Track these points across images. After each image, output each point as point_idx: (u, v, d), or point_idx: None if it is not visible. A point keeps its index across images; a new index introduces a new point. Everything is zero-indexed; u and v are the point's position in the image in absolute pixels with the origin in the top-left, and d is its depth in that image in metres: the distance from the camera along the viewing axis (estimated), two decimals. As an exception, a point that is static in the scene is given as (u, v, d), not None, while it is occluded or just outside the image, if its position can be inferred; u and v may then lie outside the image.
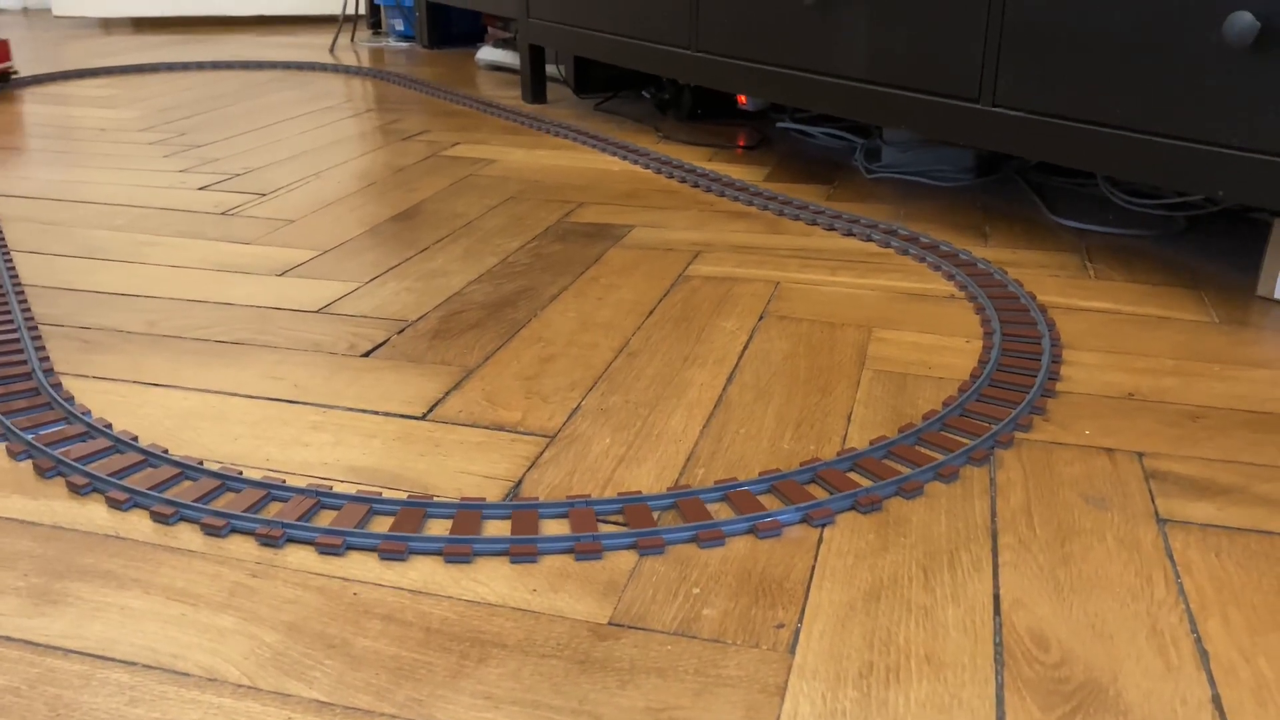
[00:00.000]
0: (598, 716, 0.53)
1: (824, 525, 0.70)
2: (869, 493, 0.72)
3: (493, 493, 0.74)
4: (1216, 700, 0.54)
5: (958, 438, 0.79)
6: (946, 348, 0.97)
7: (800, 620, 0.61)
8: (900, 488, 0.73)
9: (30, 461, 0.76)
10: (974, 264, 1.16)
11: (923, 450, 0.78)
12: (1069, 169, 1.53)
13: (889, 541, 0.68)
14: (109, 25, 3.53)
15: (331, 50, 2.92)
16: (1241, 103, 0.96)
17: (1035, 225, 1.33)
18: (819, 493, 0.73)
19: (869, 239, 1.27)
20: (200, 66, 2.62)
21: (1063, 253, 1.23)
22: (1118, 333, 1.00)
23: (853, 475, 0.75)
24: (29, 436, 0.78)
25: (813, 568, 0.65)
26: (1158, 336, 1.00)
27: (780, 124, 1.89)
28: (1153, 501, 0.72)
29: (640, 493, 0.73)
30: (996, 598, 0.63)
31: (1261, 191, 0.96)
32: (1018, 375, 0.89)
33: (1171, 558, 0.66)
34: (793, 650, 0.58)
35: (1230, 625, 0.60)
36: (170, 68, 2.60)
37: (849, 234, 1.29)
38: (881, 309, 1.06)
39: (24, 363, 0.91)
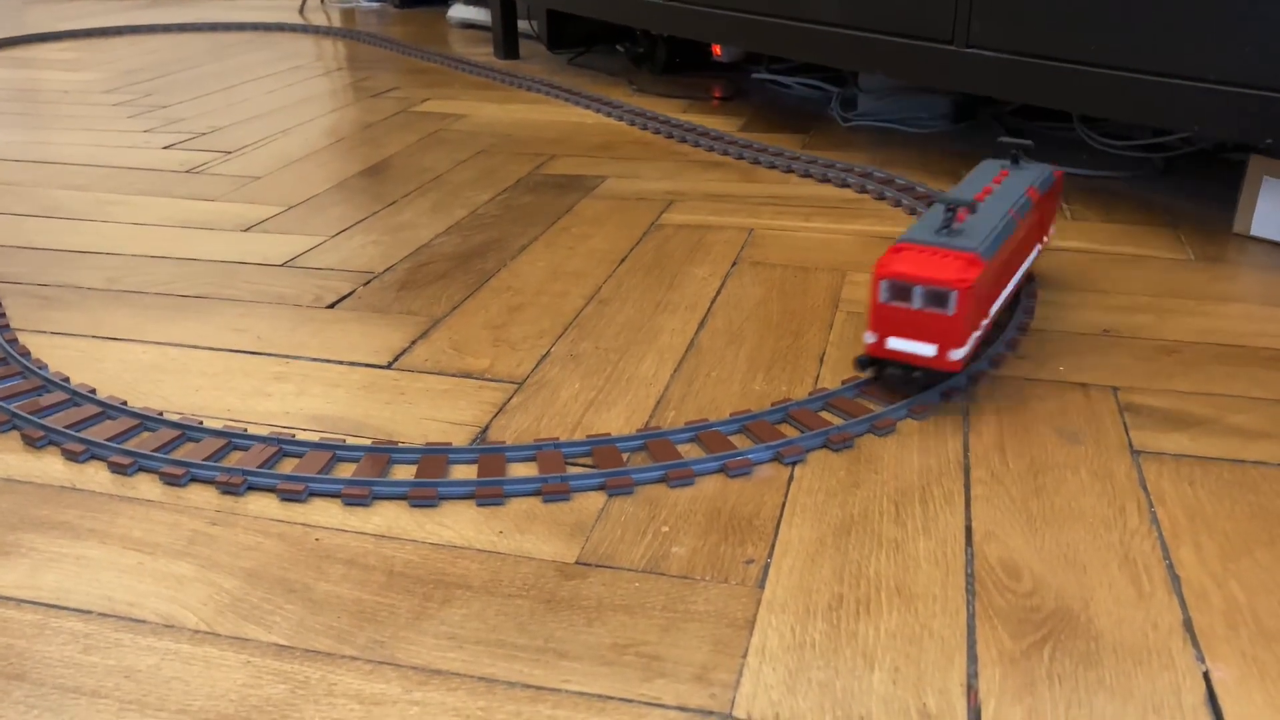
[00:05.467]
0: (563, 654, 0.53)
1: (795, 463, 0.69)
2: (840, 430, 0.71)
3: (459, 439, 0.72)
4: (1188, 624, 0.54)
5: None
6: (921, 289, 0.95)
7: (770, 556, 0.60)
8: (872, 425, 0.72)
9: (-15, 417, 0.75)
10: (949, 207, 1.15)
11: (895, 389, 0.77)
12: (1045, 113, 1.51)
13: (860, 478, 0.67)
14: (74, -10, 3.45)
15: (301, 11, 2.87)
16: (1215, 36, 0.95)
17: (1012, 169, 1.32)
18: (790, 432, 0.72)
19: (844, 185, 1.25)
20: (167, 29, 2.57)
21: (1039, 195, 1.21)
22: (1093, 271, 0.99)
23: (824, 414, 0.74)
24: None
25: (783, 505, 0.64)
26: (1133, 274, 0.99)
27: (756, 75, 1.87)
28: (1127, 434, 0.72)
29: (609, 435, 0.72)
30: (968, 530, 0.62)
31: (1236, 125, 0.95)
32: (992, 314, 0.88)
33: (1145, 488, 0.66)
34: (762, 585, 0.57)
35: (1202, 552, 0.60)
36: (136, 30, 2.55)
37: (824, 180, 1.28)
38: (856, 253, 1.04)
39: (-20, 320, 0.89)
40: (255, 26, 2.59)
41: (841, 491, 0.66)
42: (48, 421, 0.72)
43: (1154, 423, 0.73)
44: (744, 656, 0.52)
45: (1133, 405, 0.75)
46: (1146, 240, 1.07)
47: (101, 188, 1.30)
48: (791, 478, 0.67)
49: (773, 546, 0.61)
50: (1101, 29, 1.03)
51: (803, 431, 0.71)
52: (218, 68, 2.09)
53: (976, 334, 0.75)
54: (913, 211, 1.16)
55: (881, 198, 1.21)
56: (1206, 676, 0.51)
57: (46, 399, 0.75)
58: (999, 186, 0.86)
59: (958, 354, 0.72)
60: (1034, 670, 0.51)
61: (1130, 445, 0.70)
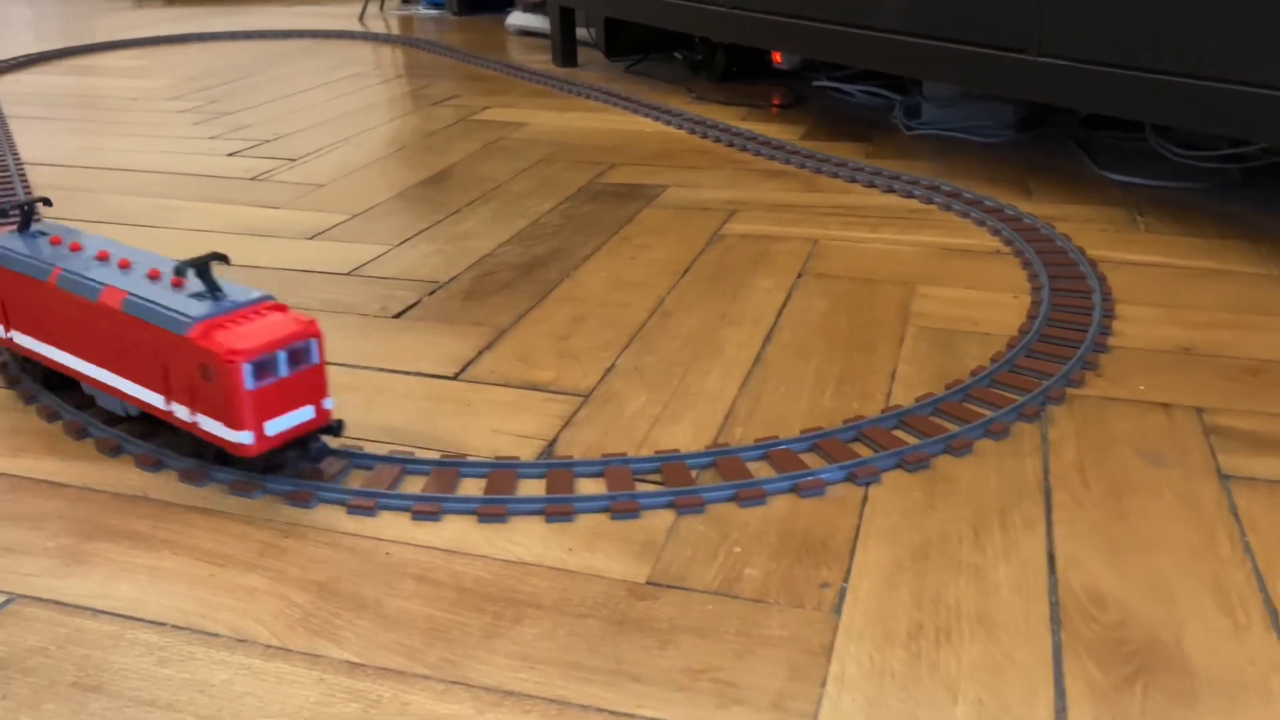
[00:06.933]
0: (636, 677, 0.52)
1: (869, 484, 0.67)
2: (915, 450, 0.69)
3: (526, 452, 0.72)
4: (1288, 661, 0.52)
5: (1007, 394, 0.76)
6: (993, 303, 0.93)
7: (846, 580, 0.58)
8: (948, 445, 0.70)
9: (61, 423, 0.75)
10: (1019, 219, 1.13)
11: (971, 407, 0.75)
12: (1115, 122, 1.48)
13: (937, 500, 0.65)
14: (139, -2, 3.52)
15: (361, 18, 2.90)
16: (1304, 44, 0.92)
17: (1081, 180, 1.29)
18: (863, 451, 0.70)
19: (910, 195, 1.23)
20: (231, 36, 2.61)
21: (1111, 207, 1.19)
22: (1171, 286, 0.96)
23: (898, 433, 0.72)
24: (59, 397, 0.77)
25: (858, 527, 0.63)
26: (1213, 290, 0.96)
27: (816, 83, 1.85)
28: (1213, 457, 0.69)
29: (677, 451, 0.71)
30: (1051, 556, 0.60)
31: (1325, 137, 0.92)
32: (1068, 330, 0.86)
33: (1236, 515, 0.63)
34: (838, 610, 0.56)
35: (1300, 584, 0.57)
36: (200, 38, 2.59)
37: (889, 191, 1.26)
38: (924, 265, 1.03)
39: (53, 326, 0.90)
40: (315, 34, 2.62)
41: (918, 514, 0.64)
42: (121, 430, 0.73)
43: (1242, 446, 0.70)
44: (822, 685, 0.51)
45: (1218, 427, 0.73)
46: (1226, 254, 1.04)
47: (167, 194, 1.31)
48: (865, 499, 0.66)
49: (849, 570, 0.59)
50: (1180, 36, 1.01)
51: (876, 451, 0.70)
52: (280, 74, 2.11)
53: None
54: (981, 224, 1.13)
55: (949, 209, 1.18)
56: (1310, 717, 0.48)
57: (119, 407, 0.76)
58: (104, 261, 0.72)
59: None
60: (1126, 706, 0.49)
61: (1218, 469, 0.68)
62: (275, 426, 0.64)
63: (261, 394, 0.63)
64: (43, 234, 0.77)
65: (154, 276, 0.69)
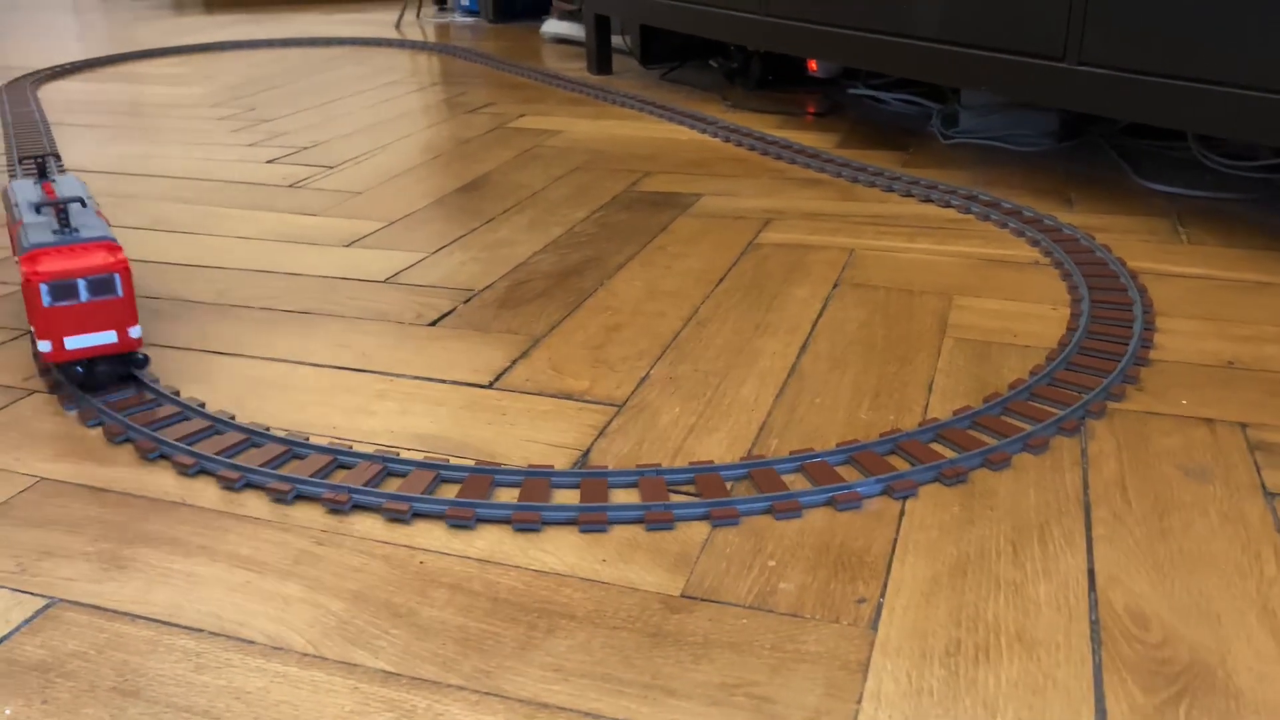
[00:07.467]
0: (670, 691, 0.51)
1: (906, 497, 0.66)
2: (953, 464, 0.69)
3: (560, 461, 0.72)
4: (1337, 685, 0.51)
5: (1046, 407, 0.75)
6: (1032, 315, 0.92)
7: (882, 595, 0.58)
8: (986, 459, 0.69)
9: (100, 428, 0.76)
10: (1058, 229, 1.11)
11: (1009, 420, 0.74)
12: (1156, 130, 1.46)
13: (975, 514, 0.65)
14: (181, 5, 3.57)
15: (397, 26, 2.93)
16: (1353, 53, 0.90)
17: (1122, 190, 1.27)
18: (900, 464, 0.70)
19: (948, 205, 1.22)
20: (269, 44, 2.64)
21: (1152, 217, 1.17)
22: (1214, 299, 0.95)
23: (935, 446, 0.72)
24: (99, 403, 0.78)
25: (894, 541, 0.62)
26: (1258, 302, 0.94)
27: (852, 90, 1.84)
28: (1259, 474, 0.68)
29: (712, 462, 0.70)
30: (1091, 573, 0.59)
31: (1375, 147, 0.90)
32: (1108, 343, 0.85)
33: (1282, 534, 0.62)
34: (875, 626, 0.55)
35: (1349, 606, 0.56)
36: (239, 46, 2.62)
37: (926, 200, 1.25)
38: (962, 276, 1.02)
39: (95, 332, 0.91)
40: (353, 42, 2.65)
41: (955, 528, 0.63)
42: (160, 435, 0.73)
43: (1288, 463, 0.69)
44: (859, 702, 0.50)
45: (1264, 444, 0.71)
46: (1271, 266, 1.02)
47: (207, 201, 1.33)
48: (903, 512, 0.65)
49: (885, 585, 0.59)
50: (1224, 44, 0.99)
51: (913, 464, 0.69)
52: (318, 82, 2.13)
53: None
54: (1020, 234, 1.12)
55: (987, 219, 1.17)
56: (1360, 744, 0.47)
57: (158, 412, 0.77)
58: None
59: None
60: (1169, 729, 0.48)
61: (1263, 486, 0.67)
62: (75, 343, 0.76)
63: (59, 312, 0.74)
64: (45, 180, 0.89)
65: (55, 215, 0.80)
